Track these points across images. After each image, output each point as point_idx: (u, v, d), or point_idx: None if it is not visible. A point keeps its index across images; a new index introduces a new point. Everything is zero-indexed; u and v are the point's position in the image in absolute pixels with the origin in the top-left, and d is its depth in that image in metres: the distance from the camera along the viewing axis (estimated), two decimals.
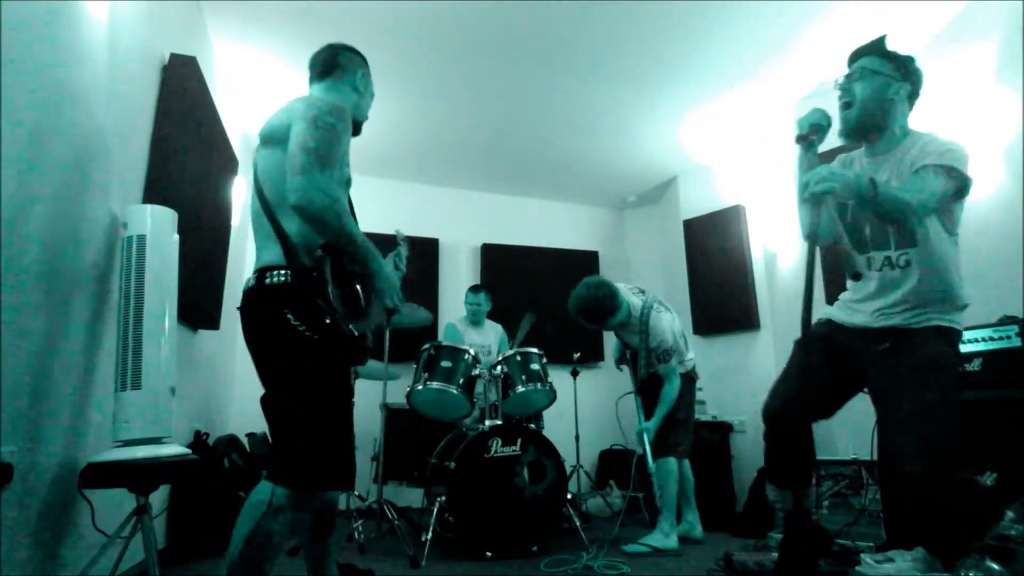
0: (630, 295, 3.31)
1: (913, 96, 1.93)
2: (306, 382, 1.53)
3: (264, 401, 1.59)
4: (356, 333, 1.59)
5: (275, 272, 1.53)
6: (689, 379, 3.36)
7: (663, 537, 3.05)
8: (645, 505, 3.74)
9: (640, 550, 3.00)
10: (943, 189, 1.73)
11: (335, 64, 1.83)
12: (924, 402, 1.71)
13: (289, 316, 1.49)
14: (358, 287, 1.65)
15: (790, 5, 3.18)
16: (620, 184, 5.52)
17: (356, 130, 1.78)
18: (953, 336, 1.82)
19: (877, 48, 1.94)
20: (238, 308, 1.62)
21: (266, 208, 1.60)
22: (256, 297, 1.56)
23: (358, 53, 1.89)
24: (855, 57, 1.97)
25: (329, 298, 1.53)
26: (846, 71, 1.98)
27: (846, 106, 1.93)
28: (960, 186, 1.76)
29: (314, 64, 1.85)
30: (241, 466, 3.51)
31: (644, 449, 3.17)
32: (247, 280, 1.61)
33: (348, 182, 1.71)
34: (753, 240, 4.61)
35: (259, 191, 1.62)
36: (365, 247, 1.59)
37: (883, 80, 1.89)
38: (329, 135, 1.55)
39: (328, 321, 1.51)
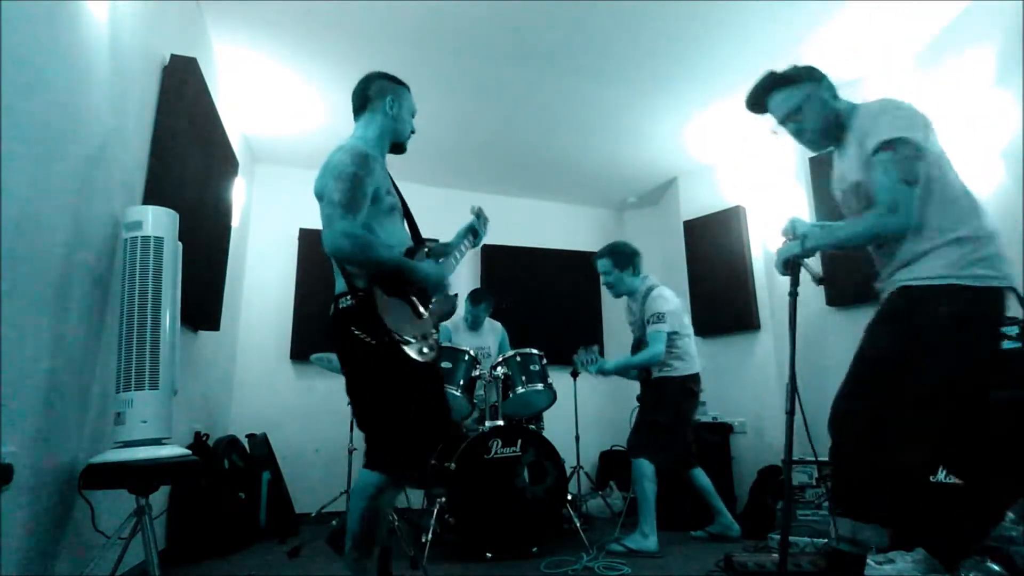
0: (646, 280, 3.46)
1: (828, 83, 1.95)
2: (376, 381, 1.83)
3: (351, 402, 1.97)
4: (409, 337, 1.85)
5: (343, 298, 1.86)
6: (685, 388, 3.30)
7: (642, 538, 3.04)
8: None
9: (617, 549, 3.00)
10: (895, 178, 1.70)
11: (366, 97, 2.05)
12: (858, 351, 1.74)
13: (355, 330, 1.81)
14: (412, 297, 1.92)
15: (791, 7, 3.18)
16: (620, 185, 5.52)
17: (399, 148, 2.09)
18: (913, 292, 1.73)
19: (777, 83, 1.97)
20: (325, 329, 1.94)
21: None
22: (332, 319, 1.89)
23: (387, 77, 2.08)
24: (762, 102, 2.01)
25: (377, 314, 1.81)
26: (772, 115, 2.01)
27: (800, 136, 1.97)
28: (914, 147, 1.71)
29: (352, 101, 2.08)
30: (241, 467, 3.52)
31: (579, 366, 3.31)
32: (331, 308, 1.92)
33: (392, 208, 1.96)
34: (753, 241, 4.61)
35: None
36: (398, 267, 1.87)
37: (806, 98, 1.92)
38: (351, 183, 1.81)
39: (381, 331, 1.80)
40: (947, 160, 1.80)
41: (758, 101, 2.01)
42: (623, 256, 3.43)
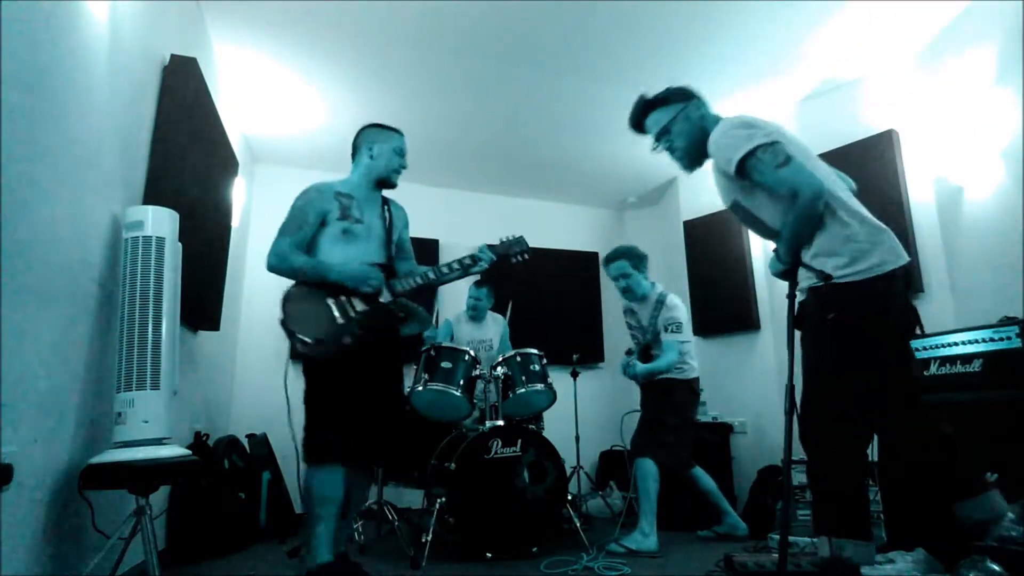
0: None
1: (698, 103, 2.04)
2: (306, 377, 2.21)
3: None
4: (308, 337, 2.13)
5: None
6: (690, 390, 3.33)
7: (642, 538, 3.03)
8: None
9: (617, 550, 2.98)
10: (771, 169, 1.78)
11: (355, 147, 2.48)
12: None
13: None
14: (341, 297, 2.21)
15: (791, 7, 3.18)
16: (620, 185, 5.52)
17: (385, 184, 2.44)
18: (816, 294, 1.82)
19: (649, 105, 2.07)
20: None
21: None
22: None
23: (376, 127, 2.48)
24: (640, 123, 2.10)
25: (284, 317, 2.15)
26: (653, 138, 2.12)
27: (672, 154, 2.07)
28: (763, 145, 1.79)
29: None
30: (241, 467, 3.51)
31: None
32: None
33: (346, 232, 2.28)
34: (753, 241, 4.60)
35: None
36: (314, 270, 2.21)
37: (673, 119, 2.02)
38: (292, 212, 2.30)
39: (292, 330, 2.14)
40: (808, 156, 1.89)
41: (637, 122, 2.11)
42: (638, 258, 3.42)
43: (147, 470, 1.81)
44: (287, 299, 2.19)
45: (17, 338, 1.52)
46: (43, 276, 1.66)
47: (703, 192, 5.02)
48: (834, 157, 3.82)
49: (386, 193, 2.51)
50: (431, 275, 2.37)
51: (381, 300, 2.27)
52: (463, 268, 2.39)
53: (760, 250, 4.56)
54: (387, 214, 2.43)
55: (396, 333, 2.38)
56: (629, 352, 3.35)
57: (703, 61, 3.64)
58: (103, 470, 1.77)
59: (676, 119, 2.01)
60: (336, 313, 2.18)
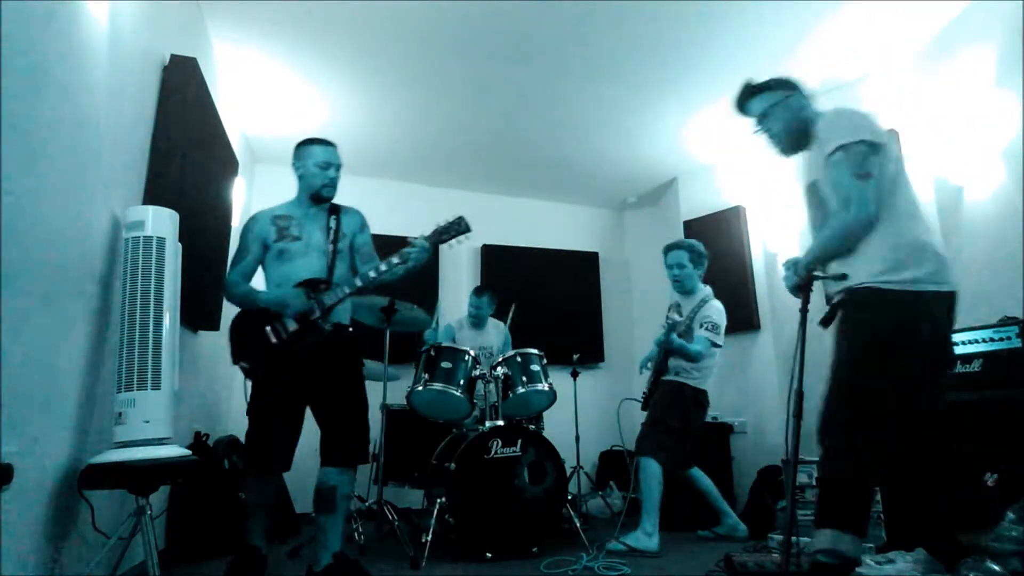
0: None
1: (800, 93, 2.11)
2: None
3: None
4: (244, 362, 2.39)
5: None
6: (696, 399, 3.32)
7: (645, 537, 3.02)
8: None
9: (618, 548, 2.98)
10: (847, 174, 1.81)
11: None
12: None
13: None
14: (275, 322, 2.35)
15: (791, 7, 3.18)
16: (620, 185, 5.52)
17: (316, 199, 2.49)
18: (854, 295, 1.85)
19: (752, 91, 2.16)
20: None
21: None
22: None
23: (302, 143, 2.53)
24: (743, 107, 2.21)
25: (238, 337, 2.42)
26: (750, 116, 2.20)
27: (770, 139, 2.15)
28: (868, 145, 1.81)
29: None
30: (241, 467, 3.51)
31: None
32: None
33: (282, 252, 2.43)
34: (753, 241, 4.61)
35: None
36: (245, 299, 2.42)
37: (773, 105, 2.10)
38: (238, 243, 2.50)
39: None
40: (900, 171, 1.91)
41: (740, 106, 2.21)
42: (700, 255, 3.43)
43: (147, 470, 1.81)
44: (232, 329, 2.42)
45: (17, 338, 1.52)
46: (43, 276, 1.66)
47: (703, 192, 5.03)
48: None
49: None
50: (358, 282, 2.38)
51: (311, 317, 2.34)
52: (403, 261, 2.37)
53: (760, 250, 4.56)
54: (333, 224, 2.49)
55: (336, 347, 2.42)
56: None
57: (703, 61, 3.64)
58: (103, 470, 1.77)
59: (776, 106, 2.09)
60: (272, 338, 2.34)
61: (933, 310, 1.79)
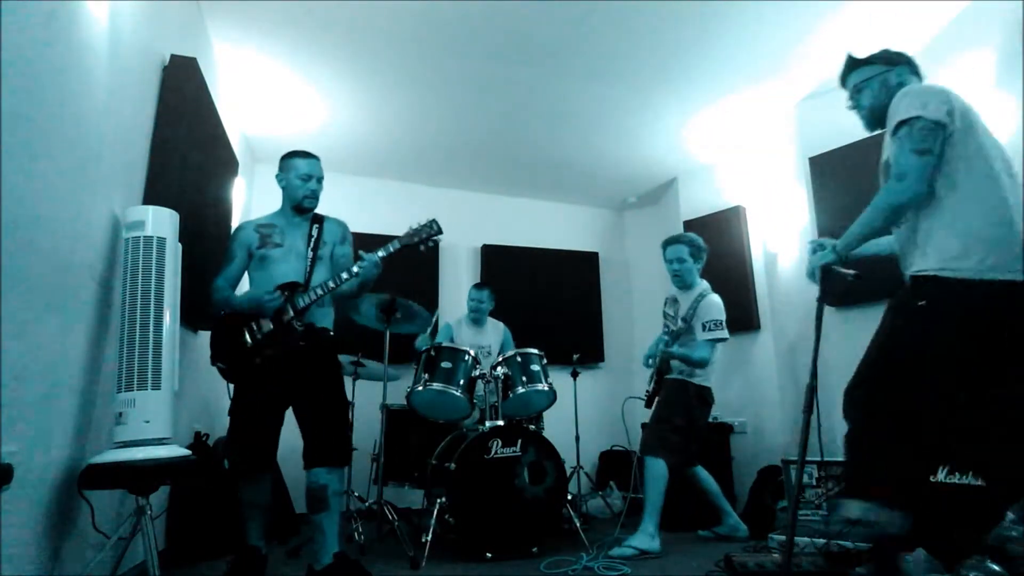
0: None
1: (901, 69, 2.01)
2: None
3: None
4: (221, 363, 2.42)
5: None
6: (700, 396, 3.32)
7: (648, 538, 3.01)
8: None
9: (627, 552, 2.92)
10: (907, 149, 1.76)
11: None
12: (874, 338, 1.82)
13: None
14: (251, 323, 2.40)
15: (791, 7, 3.18)
16: (620, 185, 5.52)
17: (299, 210, 2.57)
18: (916, 282, 1.78)
19: (854, 63, 2.07)
20: None
21: None
22: None
23: (286, 155, 2.61)
24: (843, 83, 2.12)
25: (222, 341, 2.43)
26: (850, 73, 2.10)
27: (858, 113, 2.08)
28: (928, 123, 1.74)
29: None
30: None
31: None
32: None
33: (263, 259, 2.51)
34: (753, 241, 4.61)
35: None
36: (227, 303, 2.48)
37: (868, 79, 2.01)
38: (225, 251, 2.59)
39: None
40: (983, 148, 1.79)
41: (841, 79, 2.12)
42: (700, 249, 3.43)
43: (147, 470, 1.81)
44: (212, 333, 2.46)
45: (17, 338, 1.52)
46: (43, 276, 1.66)
47: (703, 192, 5.03)
48: (834, 157, 3.84)
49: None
50: (331, 283, 2.42)
51: (285, 318, 2.38)
52: (353, 276, 2.43)
53: (760, 250, 4.56)
54: (315, 233, 2.57)
55: (313, 349, 2.44)
56: (668, 334, 3.35)
57: (703, 61, 3.64)
58: (103, 470, 1.77)
59: (872, 79, 2.01)
60: (248, 338, 2.39)
61: (999, 300, 1.69)
